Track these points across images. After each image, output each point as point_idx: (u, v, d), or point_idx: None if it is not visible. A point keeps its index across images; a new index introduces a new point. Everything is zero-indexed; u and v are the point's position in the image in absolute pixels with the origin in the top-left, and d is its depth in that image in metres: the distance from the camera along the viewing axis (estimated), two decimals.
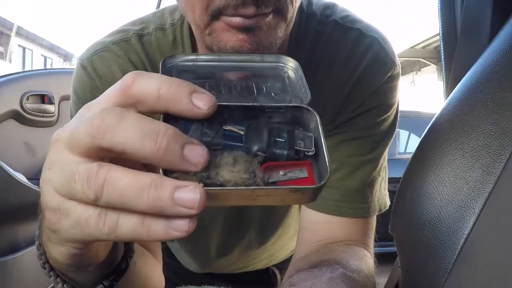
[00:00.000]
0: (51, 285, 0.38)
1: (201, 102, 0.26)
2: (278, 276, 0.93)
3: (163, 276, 0.59)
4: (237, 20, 0.41)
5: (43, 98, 1.64)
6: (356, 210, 0.59)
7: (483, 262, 0.32)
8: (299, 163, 0.29)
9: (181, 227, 0.24)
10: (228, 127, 0.28)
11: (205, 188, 0.24)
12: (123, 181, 0.24)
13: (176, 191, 0.23)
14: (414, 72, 11.00)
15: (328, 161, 0.28)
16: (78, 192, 0.25)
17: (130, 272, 0.43)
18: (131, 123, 0.24)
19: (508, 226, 0.31)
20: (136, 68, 0.56)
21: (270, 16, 0.42)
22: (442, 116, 0.42)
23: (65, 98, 1.69)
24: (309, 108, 0.30)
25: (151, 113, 0.27)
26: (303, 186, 0.27)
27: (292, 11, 0.45)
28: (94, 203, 0.24)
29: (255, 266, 0.89)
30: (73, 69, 0.60)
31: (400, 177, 0.46)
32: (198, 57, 0.36)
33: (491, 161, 0.33)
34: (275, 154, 0.28)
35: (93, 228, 0.26)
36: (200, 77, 0.34)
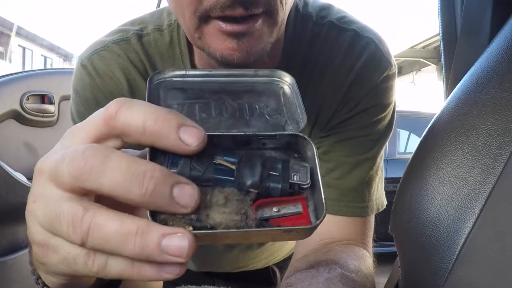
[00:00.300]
0: None
1: (190, 139, 0.24)
2: (278, 274, 0.93)
3: None
4: (227, 27, 0.40)
5: (43, 98, 1.64)
6: (354, 209, 0.59)
7: (483, 262, 0.32)
8: (293, 199, 0.27)
9: (172, 270, 0.24)
10: (219, 161, 0.26)
11: (194, 232, 0.23)
12: (108, 228, 0.23)
13: (164, 239, 0.22)
14: (414, 72, 10.99)
15: (324, 197, 0.26)
16: (64, 233, 0.24)
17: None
18: (116, 165, 0.23)
19: (508, 226, 0.31)
20: (136, 68, 0.56)
21: (260, 21, 0.42)
22: (442, 116, 0.42)
23: (65, 98, 1.69)
24: (305, 136, 0.28)
25: (137, 145, 0.26)
26: (296, 227, 0.26)
27: (283, 14, 0.44)
28: (82, 246, 0.24)
29: (255, 265, 0.89)
30: (73, 69, 0.60)
31: (400, 177, 0.46)
32: (187, 72, 0.34)
33: (491, 161, 0.33)
34: (269, 188, 0.27)
35: (81, 266, 0.25)
36: (190, 97, 0.32)
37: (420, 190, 0.40)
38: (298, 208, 0.27)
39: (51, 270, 0.28)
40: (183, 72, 0.34)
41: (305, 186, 0.27)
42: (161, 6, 0.68)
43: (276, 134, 0.28)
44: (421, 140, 0.44)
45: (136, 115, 0.24)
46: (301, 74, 0.57)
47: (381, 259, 0.65)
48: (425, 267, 0.38)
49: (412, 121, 3.73)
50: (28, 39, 14.80)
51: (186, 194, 0.23)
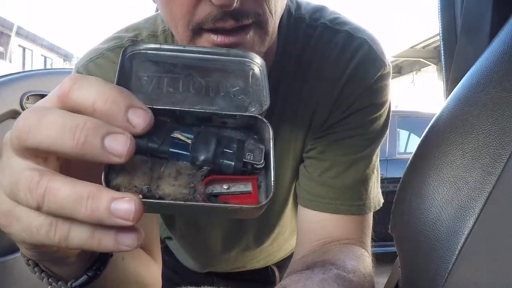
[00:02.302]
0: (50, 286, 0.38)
1: (137, 120, 0.25)
2: (277, 274, 0.93)
3: (160, 274, 0.59)
4: (219, 39, 0.41)
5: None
6: (350, 207, 0.59)
7: (483, 262, 0.32)
8: (244, 178, 0.28)
9: (129, 242, 0.25)
10: (176, 135, 0.27)
11: (143, 200, 0.24)
12: (62, 192, 0.24)
13: (113, 203, 0.23)
14: (414, 72, 10.98)
15: (273, 180, 0.27)
16: (22, 200, 0.25)
17: (118, 267, 0.43)
18: (51, 120, 0.24)
19: (508, 226, 0.31)
20: None
21: (251, 33, 0.42)
22: (442, 116, 0.42)
23: None
24: (264, 119, 0.29)
25: None
26: (242, 206, 0.26)
27: (273, 23, 0.45)
28: (38, 210, 0.25)
29: (253, 265, 0.89)
30: (73, 69, 0.61)
31: (400, 177, 0.46)
32: (161, 46, 0.35)
33: (491, 161, 0.33)
34: (222, 165, 0.28)
35: (43, 236, 0.26)
36: (160, 70, 0.33)
37: (420, 190, 0.40)
38: (248, 187, 0.28)
39: (16, 240, 0.28)
40: (157, 46, 0.35)
41: (258, 166, 0.28)
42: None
43: (236, 115, 0.29)
44: (421, 140, 0.44)
45: (87, 94, 0.25)
46: (295, 77, 0.57)
47: (381, 259, 0.66)
48: (425, 267, 0.37)
49: (412, 121, 3.73)
50: (28, 39, 14.79)
51: (118, 143, 0.24)
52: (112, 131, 0.24)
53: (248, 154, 0.28)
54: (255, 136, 0.30)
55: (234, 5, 0.38)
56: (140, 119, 0.25)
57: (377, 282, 0.55)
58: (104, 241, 0.25)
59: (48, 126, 0.24)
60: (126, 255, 0.47)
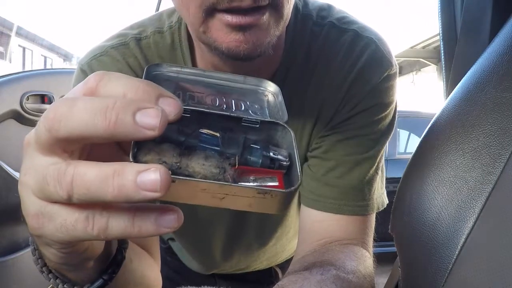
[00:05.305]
0: (50, 286, 0.38)
1: (168, 107, 0.25)
2: (280, 275, 0.93)
3: (161, 275, 0.59)
4: (233, 19, 0.40)
5: (43, 98, 1.64)
6: (354, 208, 0.59)
7: (483, 262, 0.32)
8: (271, 171, 0.28)
9: (170, 223, 0.25)
10: (204, 130, 0.28)
11: (172, 176, 0.24)
12: (88, 175, 0.23)
13: (138, 176, 0.23)
14: (414, 72, 10.98)
15: (299, 171, 0.27)
16: (52, 193, 0.24)
17: (127, 270, 0.43)
18: (81, 106, 0.23)
19: (508, 226, 0.31)
20: (135, 72, 0.56)
21: (267, 14, 0.42)
22: (442, 116, 0.42)
23: None
24: (285, 125, 0.30)
25: None
26: (271, 189, 0.26)
27: (288, 7, 0.44)
28: (68, 202, 0.24)
29: (257, 266, 0.89)
30: (73, 69, 0.61)
31: (400, 177, 0.46)
32: (182, 69, 0.36)
33: (491, 161, 0.33)
34: (250, 160, 0.28)
35: (81, 231, 0.25)
36: (182, 88, 0.35)
37: (420, 190, 0.40)
38: (274, 181, 0.28)
39: (49, 240, 0.28)
40: (178, 68, 0.36)
41: (284, 164, 0.29)
42: (161, 7, 0.68)
43: (258, 120, 0.30)
44: (421, 140, 0.44)
45: (116, 87, 0.25)
46: (302, 75, 0.57)
47: (381, 259, 0.65)
48: (425, 267, 0.37)
49: (412, 121, 3.73)
50: (28, 39, 14.78)
51: (149, 116, 0.23)
52: (143, 106, 0.23)
53: (274, 152, 0.29)
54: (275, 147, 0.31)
55: None
56: (170, 106, 0.25)
57: (377, 282, 0.55)
58: (145, 227, 0.25)
59: (79, 112, 0.23)
60: (134, 257, 0.47)
